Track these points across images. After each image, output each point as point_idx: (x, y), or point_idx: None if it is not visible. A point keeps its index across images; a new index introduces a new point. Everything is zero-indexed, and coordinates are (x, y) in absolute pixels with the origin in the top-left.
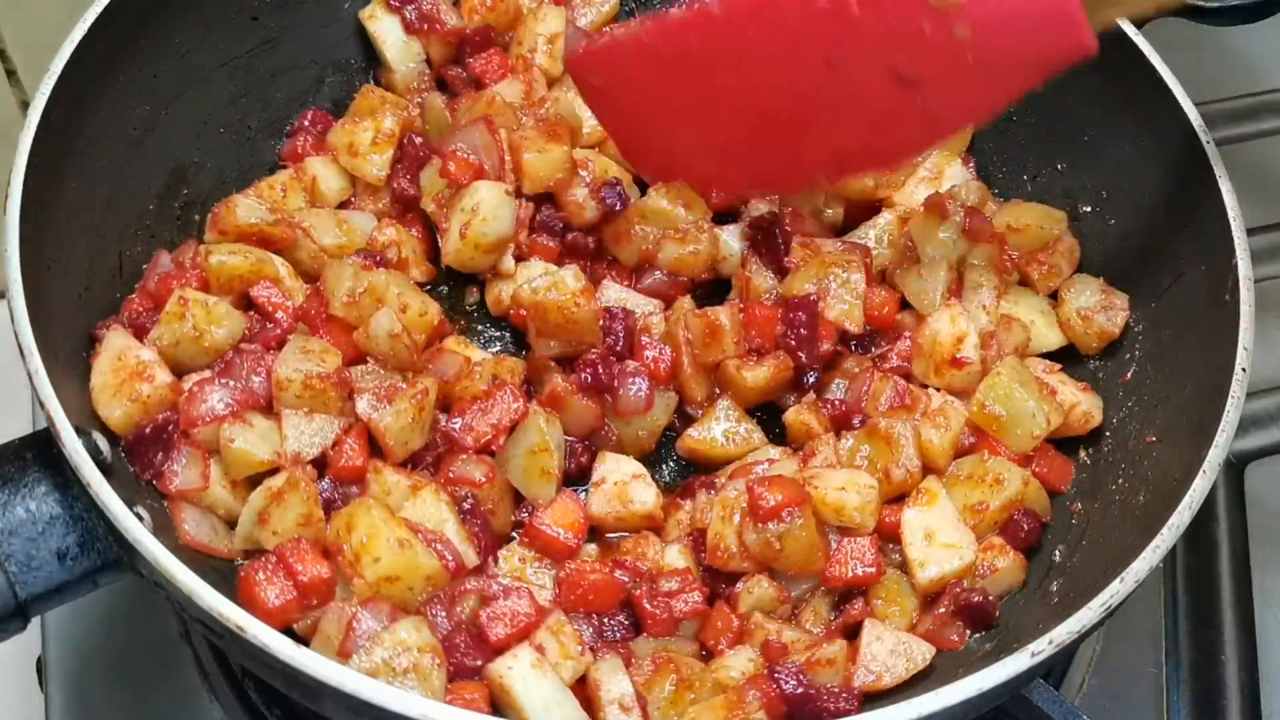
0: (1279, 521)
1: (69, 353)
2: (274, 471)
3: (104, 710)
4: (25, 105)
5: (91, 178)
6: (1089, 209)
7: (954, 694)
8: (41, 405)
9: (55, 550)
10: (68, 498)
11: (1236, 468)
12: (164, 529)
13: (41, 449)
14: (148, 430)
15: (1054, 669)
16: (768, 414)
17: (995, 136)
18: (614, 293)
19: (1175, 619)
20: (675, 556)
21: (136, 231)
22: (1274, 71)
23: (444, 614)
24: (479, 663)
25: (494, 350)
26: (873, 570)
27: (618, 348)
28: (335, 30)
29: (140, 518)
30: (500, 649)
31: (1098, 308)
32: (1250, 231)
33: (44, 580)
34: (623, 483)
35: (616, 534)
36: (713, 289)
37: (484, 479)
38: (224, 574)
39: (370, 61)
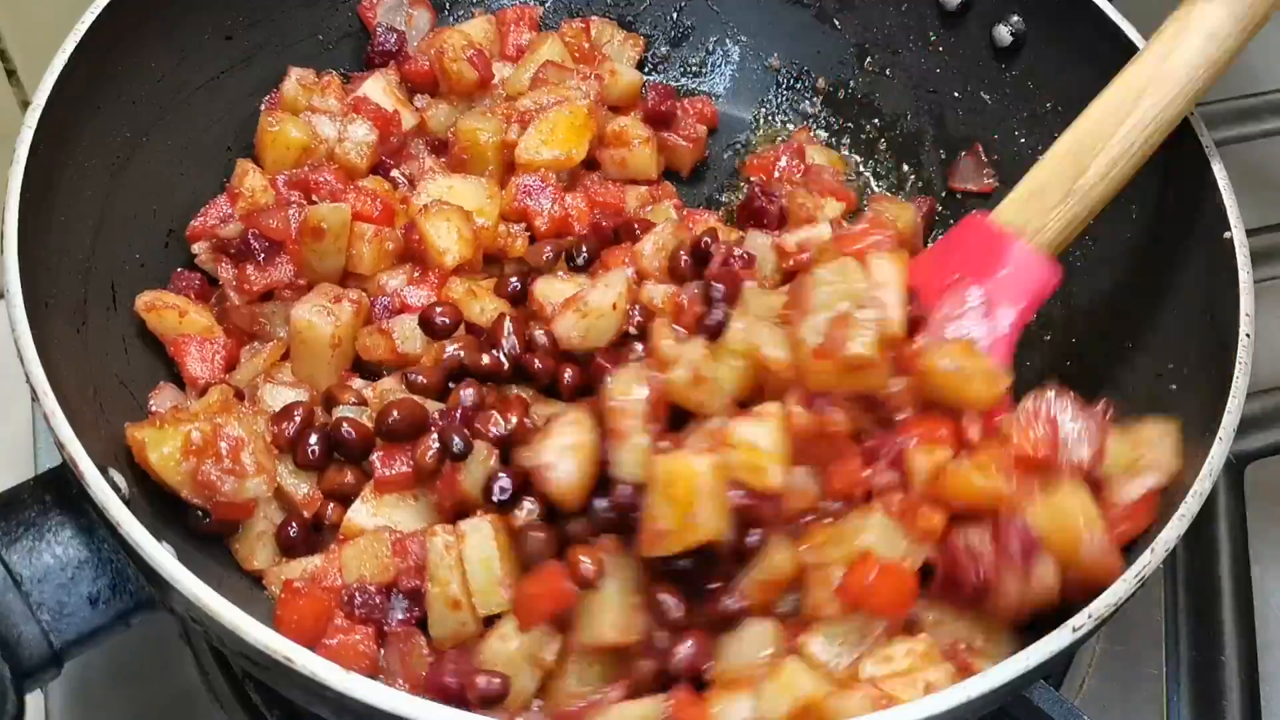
0: (1279, 522)
1: (75, 389)
2: None
3: (104, 710)
4: (25, 105)
5: (79, 208)
6: None
7: (959, 694)
8: (61, 447)
9: (87, 595)
10: (94, 540)
11: (1236, 468)
12: (190, 563)
13: (59, 490)
14: None
15: (1054, 670)
16: None
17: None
18: None
19: (1175, 619)
20: None
21: (125, 262)
22: (1274, 71)
23: None
24: None
25: None
26: None
27: None
28: (309, 46)
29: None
30: None
31: None
32: (1250, 232)
33: (77, 627)
34: None
35: None
36: None
37: None
38: (250, 598)
39: (346, 71)
